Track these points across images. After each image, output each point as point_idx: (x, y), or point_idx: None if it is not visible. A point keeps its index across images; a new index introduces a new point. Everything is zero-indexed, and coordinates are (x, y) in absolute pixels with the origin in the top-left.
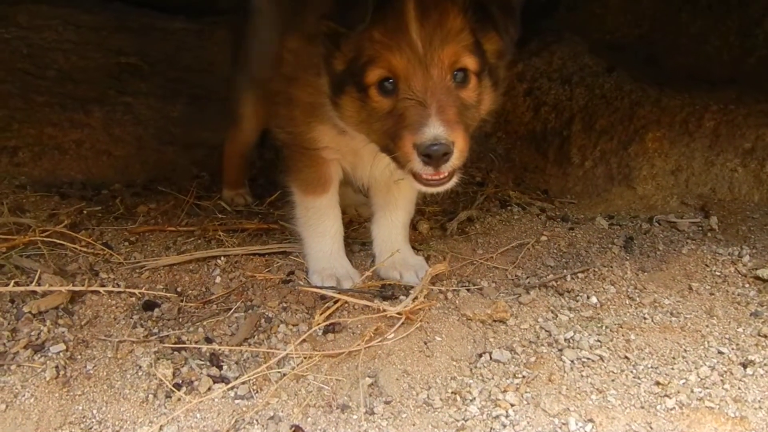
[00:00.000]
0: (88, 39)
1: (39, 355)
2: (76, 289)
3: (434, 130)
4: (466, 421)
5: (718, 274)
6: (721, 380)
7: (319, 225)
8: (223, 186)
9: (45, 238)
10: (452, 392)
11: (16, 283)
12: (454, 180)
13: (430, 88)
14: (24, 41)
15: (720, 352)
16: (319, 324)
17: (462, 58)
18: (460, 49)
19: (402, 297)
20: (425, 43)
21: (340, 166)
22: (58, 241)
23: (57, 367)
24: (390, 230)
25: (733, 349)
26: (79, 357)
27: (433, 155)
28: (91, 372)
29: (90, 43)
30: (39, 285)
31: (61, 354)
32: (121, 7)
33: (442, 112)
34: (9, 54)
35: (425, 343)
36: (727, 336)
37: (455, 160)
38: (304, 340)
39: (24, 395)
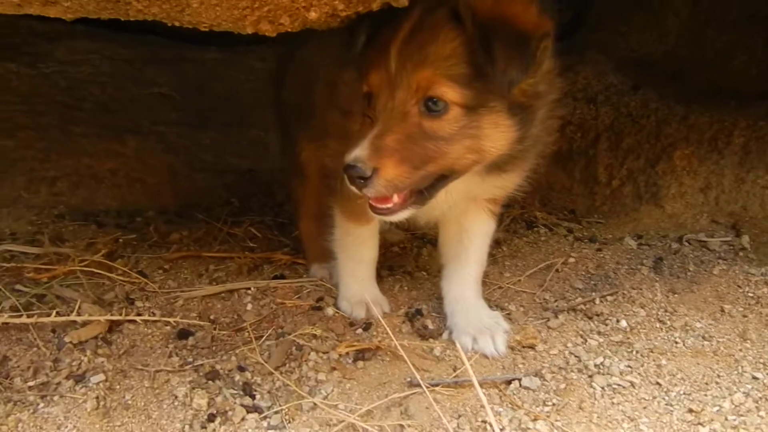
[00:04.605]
0: (123, 71)
1: (80, 386)
2: (115, 318)
3: (359, 151)
4: None
5: (751, 295)
6: (756, 407)
7: (356, 251)
8: (309, 263)
9: (84, 268)
10: (482, 420)
11: (58, 314)
12: (406, 212)
13: (387, 109)
14: (62, 75)
15: (755, 378)
16: (344, 353)
17: (437, 86)
18: (437, 76)
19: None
20: (399, 65)
21: None
22: (96, 270)
23: (97, 397)
24: (462, 286)
25: None
26: (118, 387)
27: (348, 176)
28: (130, 402)
29: (125, 75)
30: (79, 315)
31: (100, 384)
32: (154, 39)
33: (380, 136)
34: (48, 88)
35: (453, 370)
36: (761, 360)
37: (379, 186)
38: (334, 368)
39: (67, 426)
